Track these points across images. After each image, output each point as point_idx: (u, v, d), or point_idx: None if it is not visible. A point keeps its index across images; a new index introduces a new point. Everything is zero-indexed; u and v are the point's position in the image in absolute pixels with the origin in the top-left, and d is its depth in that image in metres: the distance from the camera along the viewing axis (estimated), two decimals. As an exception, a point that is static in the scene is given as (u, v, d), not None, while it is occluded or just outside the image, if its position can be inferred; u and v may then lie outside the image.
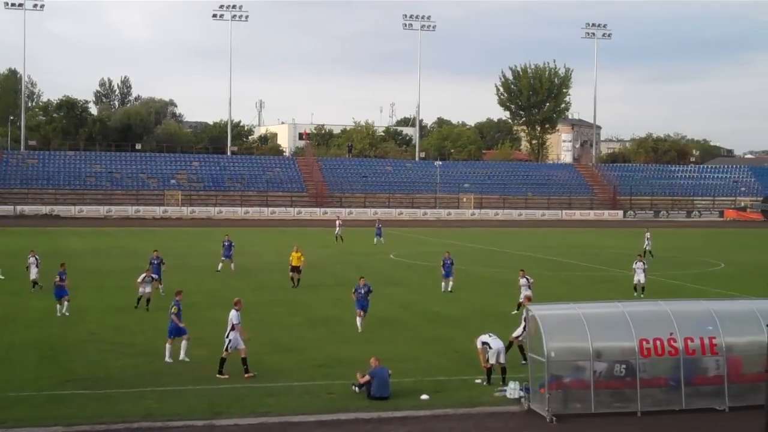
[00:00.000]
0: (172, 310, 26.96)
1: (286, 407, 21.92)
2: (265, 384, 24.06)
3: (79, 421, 20.30)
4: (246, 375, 24.72)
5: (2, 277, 45.19)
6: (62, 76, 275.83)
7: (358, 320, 32.21)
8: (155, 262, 42.04)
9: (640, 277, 41.39)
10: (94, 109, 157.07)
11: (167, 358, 26.28)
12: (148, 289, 36.37)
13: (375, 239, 71.71)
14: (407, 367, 26.01)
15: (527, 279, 35.88)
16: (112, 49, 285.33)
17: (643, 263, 42.35)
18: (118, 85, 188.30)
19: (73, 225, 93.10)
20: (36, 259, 41.18)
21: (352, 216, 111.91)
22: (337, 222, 77.44)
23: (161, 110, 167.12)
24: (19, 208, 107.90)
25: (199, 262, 55.12)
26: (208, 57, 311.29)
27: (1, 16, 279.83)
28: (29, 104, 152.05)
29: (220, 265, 49.35)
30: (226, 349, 25.21)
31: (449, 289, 41.78)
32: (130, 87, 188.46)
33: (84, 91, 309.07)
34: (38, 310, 35.89)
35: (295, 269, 43.73)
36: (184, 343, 26.53)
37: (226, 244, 50.04)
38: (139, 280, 36.30)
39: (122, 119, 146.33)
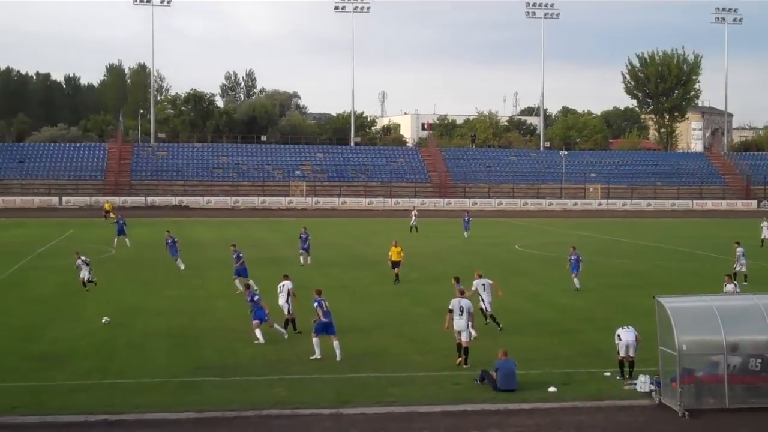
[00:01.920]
0: (315, 306, 26.46)
1: (412, 397, 21.83)
2: (390, 374, 24.02)
3: (210, 408, 20.60)
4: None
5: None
6: (189, 70, 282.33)
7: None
8: (169, 241, 46.60)
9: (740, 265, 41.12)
10: (220, 102, 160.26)
11: (317, 355, 25.82)
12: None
13: (465, 233, 68.19)
14: (534, 358, 25.63)
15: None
16: (237, 43, 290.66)
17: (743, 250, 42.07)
18: (243, 78, 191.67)
19: (202, 215, 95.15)
20: (83, 260, 38.95)
21: (476, 207, 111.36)
22: (413, 213, 76.70)
23: (285, 102, 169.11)
24: (149, 199, 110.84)
25: (323, 254, 55.49)
26: (330, 49, 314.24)
27: (130, 12, 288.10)
28: (158, 98, 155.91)
29: (301, 258, 49.19)
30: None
31: (577, 286, 40.26)
32: (255, 80, 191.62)
33: (210, 85, 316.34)
34: (169, 298, 36.71)
35: (396, 264, 42.44)
36: (336, 343, 25.89)
37: (303, 236, 49.61)
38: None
39: (248, 111, 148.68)
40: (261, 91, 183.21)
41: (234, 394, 21.85)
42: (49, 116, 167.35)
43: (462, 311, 25.35)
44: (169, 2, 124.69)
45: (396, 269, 42.20)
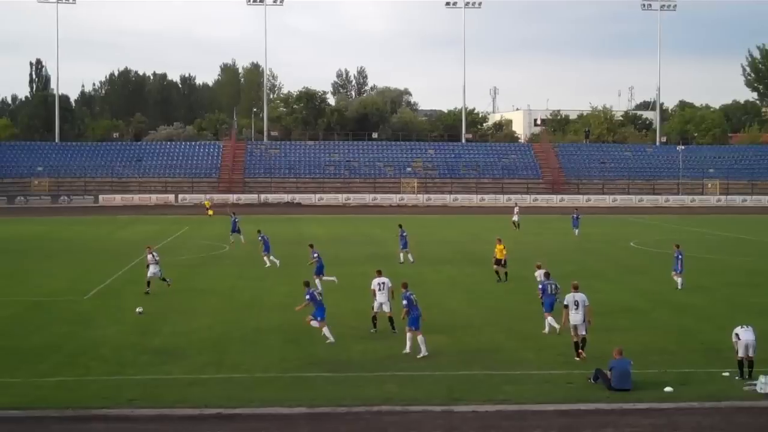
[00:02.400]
0: (404, 301, 26.42)
1: (525, 395, 21.54)
2: (503, 371, 23.76)
3: (322, 403, 20.67)
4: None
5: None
6: (301, 69, 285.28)
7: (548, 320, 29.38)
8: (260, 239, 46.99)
9: None
10: (331, 100, 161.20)
11: (407, 349, 25.87)
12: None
13: (575, 231, 66.00)
14: (650, 358, 25.05)
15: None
16: (349, 41, 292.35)
17: None
18: (354, 75, 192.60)
19: (314, 212, 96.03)
20: (153, 256, 38.21)
21: (590, 203, 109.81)
22: (515, 209, 75.65)
23: (396, 99, 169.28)
24: (263, 196, 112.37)
25: (435, 250, 55.43)
26: (441, 45, 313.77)
27: (244, 12, 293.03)
28: (271, 96, 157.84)
29: (401, 256, 48.91)
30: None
31: (678, 286, 38.92)
32: (366, 77, 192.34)
33: (322, 83, 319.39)
34: (282, 294, 37.05)
35: (499, 262, 41.65)
36: (421, 338, 25.91)
37: (404, 234, 49.46)
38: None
39: (359, 109, 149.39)
40: (372, 89, 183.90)
41: (345, 389, 21.90)
42: (166, 115, 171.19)
43: (578, 305, 25.25)
44: (281, 2, 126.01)
45: (499, 267, 41.56)
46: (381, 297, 29.29)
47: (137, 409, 20.21)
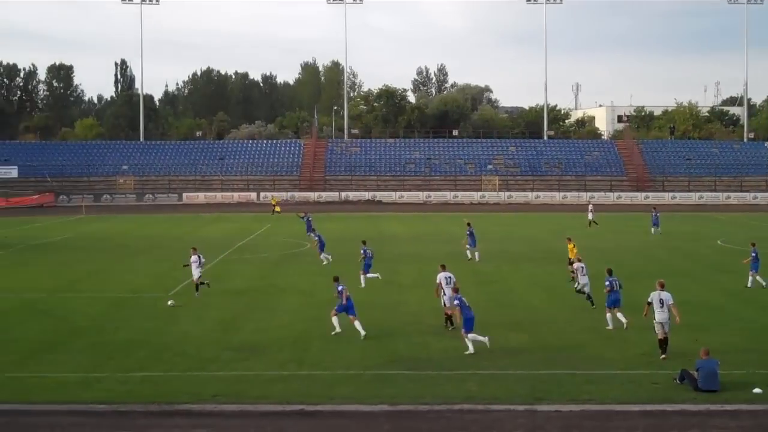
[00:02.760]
0: (457, 304, 26.32)
1: (609, 395, 21.22)
2: (586, 371, 23.44)
3: (403, 401, 20.63)
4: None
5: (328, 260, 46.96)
6: (381, 67, 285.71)
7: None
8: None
9: None
10: (412, 97, 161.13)
11: (470, 348, 25.75)
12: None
13: (652, 229, 64.25)
14: (738, 358, 24.48)
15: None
16: (429, 38, 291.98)
17: None
18: (434, 72, 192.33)
19: (394, 210, 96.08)
20: (198, 257, 36.61)
21: (675, 201, 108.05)
22: (590, 207, 74.56)
23: (477, 96, 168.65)
24: (344, 194, 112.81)
25: (516, 248, 55.04)
26: (522, 42, 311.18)
27: (324, 11, 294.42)
28: (351, 94, 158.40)
29: (468, 253, 48.52)
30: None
31: (748, 284, 38.05)
32: (446, 74, 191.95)
33: (402, 80, 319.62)
34: (363, 292, 37.10)
35: (572, 262, 41.22)
36: (472, 336, 25.79)
37: (469, 231, 49.17)
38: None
39: (439, 106, 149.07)
40: (452, 86, 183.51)
41: (426, 387, 21.82)
42: (247, 114, 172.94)
43: (662, 304, 24.93)
44: (361, 0, 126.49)
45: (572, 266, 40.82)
46: (449, 291, 29.30)
47: (220, 405, 20.40)
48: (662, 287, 25.37)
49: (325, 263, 46.18)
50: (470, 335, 25.66)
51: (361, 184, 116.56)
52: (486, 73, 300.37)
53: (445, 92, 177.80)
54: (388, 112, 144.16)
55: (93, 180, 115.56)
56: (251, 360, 24.89)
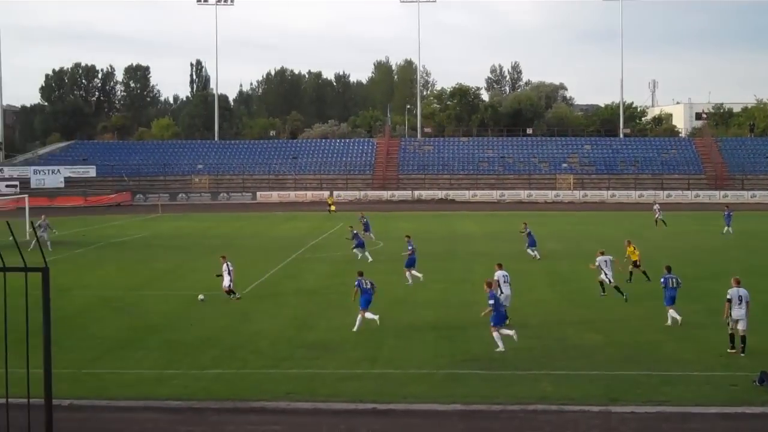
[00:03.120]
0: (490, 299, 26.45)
1: (685, 397, 20.79)
2: (662, 372, 23.02)
3: (476, 400, 20.45)
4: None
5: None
6: (455, 65, 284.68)
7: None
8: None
9: None
10: (485, 96, 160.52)
11: (500, 346, 25.69)
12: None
13: (725, 228, 62.98)
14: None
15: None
16: (503, 36, 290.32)
17: None
18: (508, 70, 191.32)
19: (467, 209, 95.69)
20: (228, 266, 35.83)
21: (754, 199, 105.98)
22: (656, 206, 73.21)
23: (551, 94, 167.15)
24: (416, 193, 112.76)
25: (591, 247, 54.29)
26: (598, 39, 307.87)
27: (397, 10, 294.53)
28: (424, 93, 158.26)
29: (530, 252, 48.39)
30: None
31: None
32: (520, 72, 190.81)
33: (475, 78, 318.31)
34: (436, 290, 36.99)
35: (636, 264, 40.20)
36: (503, 332, 25.89)
37: (526, 231, 49.76)
38: None
39: (513, 104, 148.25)
40: (526, 84, 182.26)
41: (499, 387, 21.62)
42: (320, 113, 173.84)
43: (741, 300, 24.72)
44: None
45: (635, 268, 40.12)
46: (507, 289, 29.88)
47: (293, 402, 20.43)
48: (738, 284, 25.10)
49: (360, 257, 46.70)
50: (502, 330, 26.00)
51: (434, 182, 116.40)
52: (561, 70, 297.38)
53: (519, 90, 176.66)
54: (462, 111, 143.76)
55: (169, 179, 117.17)
56: (324, 358, 24.93)
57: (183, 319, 31.45)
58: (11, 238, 9.51)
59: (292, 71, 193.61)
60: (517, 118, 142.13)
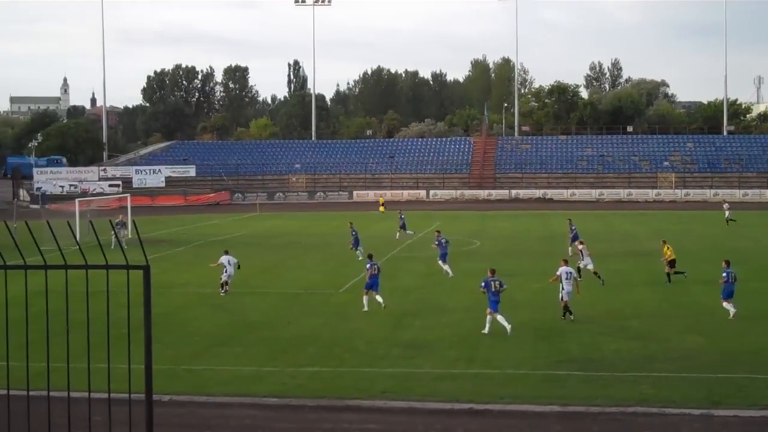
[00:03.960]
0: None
1: (792, 402, 20.20)
2: (766, 375, 22.38)
3: (574, 402, 20.16)
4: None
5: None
6: (553, 62, 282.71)
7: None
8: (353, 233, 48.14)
9: None
10: (584, 93, 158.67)
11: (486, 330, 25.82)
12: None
13: None
14: None
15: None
16: (603, 33, 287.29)
17: None
18: (608, 67, 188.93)
19: (565, 208, 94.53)
20: (229, 259, 36.76)
21: None
22: (725, 206, 71.10)
23: (653, 91, 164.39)
24: (514, 191, 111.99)
25: (694, 247, 53.29)
26: (700, 34, 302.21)
27: (494, 7, 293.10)
28: (522, 91, 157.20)
29: (570, 250, 47.87)
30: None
31: None
32: (620, 69, 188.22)
33: (574, 76, 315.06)
34: (532, 291, 36.65)
35: (672, 264, 39.65)
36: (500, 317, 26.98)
37: (573, 228, 50.08)
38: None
39: (612, 102, 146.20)
40: (627, 81, 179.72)
41: (598, 389, 21.28)
42: (417, 112, 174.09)
43: None
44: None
45: (670, 268, 39.66)
46: (567, 286, 30.33)
47: (389, 401, 20.41)
48: None
49: (360, 258, 46.59)
50: (497, 316, 27.90)
51: (531, 181, 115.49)
52: (662, 67, 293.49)
53: (619, 87, 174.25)
54: (560, 109, 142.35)
55: (266, 178, 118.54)
56: (420, 357, 24.87)
57: (280, 317, 31.76)
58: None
59: (388, 70, 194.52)
60: (617, 115, 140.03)
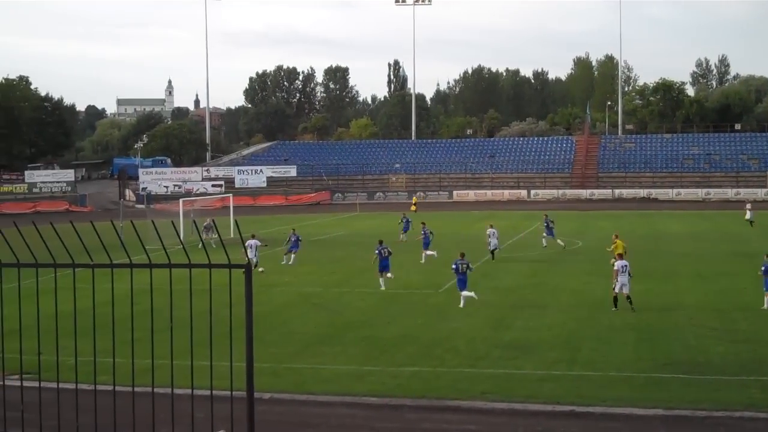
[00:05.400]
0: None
1: None
2: None
3: (679, 406, 19.72)
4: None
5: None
6: (658, 59, 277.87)
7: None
8: (292, 239, 47.72)
9: None
10: (690, 91, 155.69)
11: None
12: None
13: None
14: None
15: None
16: (710, 29, 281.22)
17: None
18: (715, 64, 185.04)
19: (670, 208, 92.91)
20: (256, 243, 43.66)
21: None
22: (747, 206, 68.37)
23: (762, 88, 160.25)
24: (617, 191, 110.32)
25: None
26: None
27: (598, 4, 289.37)
28: (626, 89, 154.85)
29: (544, 241, 53.23)
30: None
31: None
32: (728, 66, 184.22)
33: (680, 73, 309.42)
34: (637, 292, 36.00)
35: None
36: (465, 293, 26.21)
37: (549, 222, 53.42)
38: None
39: (720, 99, 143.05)
40: (735, 78, 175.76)
41: (704, 393, 20.77)
42: (518, 111, 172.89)
43: None
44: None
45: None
46: (623, 279, 31.75)
47: (489, 402, 20.26)
48: None
49: (288, 263, 47.02)
50: (464, 293, 33.22)
51: (635, 181, 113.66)
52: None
53: (726, 84, 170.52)
54: (665, 107, 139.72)
55: (367, 178, 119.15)
56: (521, 358, 24.65)
57: (381, 316, 31.83)
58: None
59: (489, 69, 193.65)
60: (725, 113, 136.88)
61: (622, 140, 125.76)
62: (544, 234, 53.90)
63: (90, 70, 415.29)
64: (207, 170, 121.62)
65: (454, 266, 33.74)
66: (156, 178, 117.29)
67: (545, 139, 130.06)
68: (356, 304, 34.51)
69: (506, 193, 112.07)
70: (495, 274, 41.95)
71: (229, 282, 8.74)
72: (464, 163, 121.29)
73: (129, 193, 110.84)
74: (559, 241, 52.91)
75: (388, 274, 38.41)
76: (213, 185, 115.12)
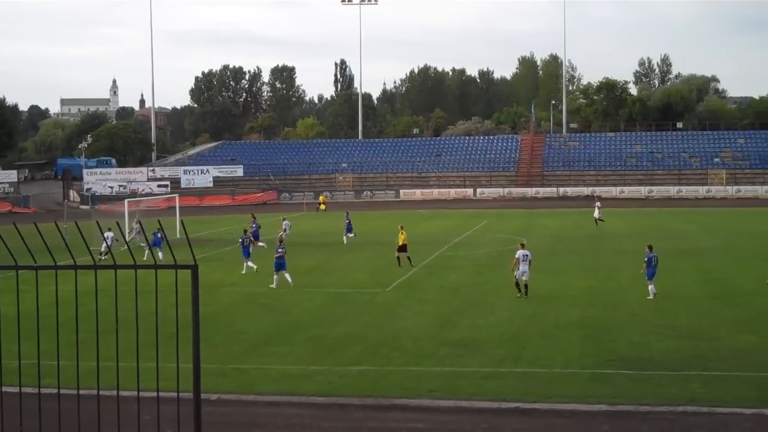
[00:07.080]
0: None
1: None
2: (821, 374, 22.07)
3: (623, 401, 19.97)
4: None
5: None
6: (602, 59, 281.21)
7: None
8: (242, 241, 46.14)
9: None
10: (633, 90, 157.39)
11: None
12: None
13: None
14: None
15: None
16: (652, 28, 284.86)
17: None
18: (657, 63, 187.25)
19: (614, 205, 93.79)
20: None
21: None
22: (597, 204, 69.96)
23: (703, 87, 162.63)
24: (561, 189, 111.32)
25: (745, 244, 52.68)
26: (753, 28, 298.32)
27: (542, 4, 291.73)
28: (570, 88, 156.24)
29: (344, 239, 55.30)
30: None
31: None
32: (670, 65, 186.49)
33: (623, 72, 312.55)
34: (580, 289, 36.44)
35: (402, 249, 43.97)
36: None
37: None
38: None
39: (662, 98, 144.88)
40: (677, 77, 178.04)
41: (647, 388, 21.07)
42: (464, 110, 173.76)
43: None
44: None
45: (401, 253, 43.88)
46: (524, 267, 33.92)
47: (436, 400, 20.37)
48: None
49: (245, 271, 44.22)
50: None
51: (579, 179, 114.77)
52: (713, 62, 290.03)
53: (668, 83, 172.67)
54: (609, 106, 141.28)
55: (313, 178, 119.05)
56: (467, 356, 24.79)
57: (327, 316, 31.83)
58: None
59: (435, 69, 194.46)
60: (667, 112, 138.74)
61: (566, 139, 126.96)
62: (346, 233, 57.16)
63: (33, 69, 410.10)
64: (152, 170, 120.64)
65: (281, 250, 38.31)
66: (101, 179, 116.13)
67: (491, 138, 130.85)
68: (303, 304, 34.46)
69: (452, 192, 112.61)
70: (441, 273, 42.14)
71: (176, 283, 8.72)
72: (411, 162, 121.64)
73: (73, 194, 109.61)
74: (351, 235, 56.91)
75: (287, 276, 38.71)
76: (159, 185, 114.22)
